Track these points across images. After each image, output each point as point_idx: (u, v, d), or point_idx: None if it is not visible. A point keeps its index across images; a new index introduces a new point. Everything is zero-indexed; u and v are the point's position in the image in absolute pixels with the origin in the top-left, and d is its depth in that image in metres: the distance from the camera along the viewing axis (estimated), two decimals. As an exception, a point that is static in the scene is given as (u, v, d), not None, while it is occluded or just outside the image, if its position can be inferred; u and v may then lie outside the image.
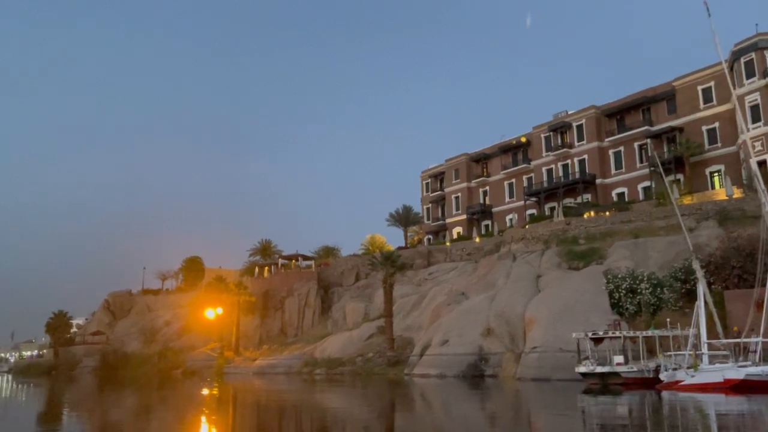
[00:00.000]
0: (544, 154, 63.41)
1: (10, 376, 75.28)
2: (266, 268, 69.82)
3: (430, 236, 74.33)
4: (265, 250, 76.97)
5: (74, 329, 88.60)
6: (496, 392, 27.51)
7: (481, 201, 69.81)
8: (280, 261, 70.81)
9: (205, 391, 33.74)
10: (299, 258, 69.01)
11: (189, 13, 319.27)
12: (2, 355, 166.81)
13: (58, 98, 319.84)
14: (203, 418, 20.92)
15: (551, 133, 62.81)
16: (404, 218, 69.00)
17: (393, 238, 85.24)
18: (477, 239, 60.64)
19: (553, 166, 62.47)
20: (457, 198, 71.59)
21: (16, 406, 30.53)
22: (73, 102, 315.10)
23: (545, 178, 62.64)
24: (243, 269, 76.55)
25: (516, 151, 67.36)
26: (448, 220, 71.92)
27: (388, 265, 45.28)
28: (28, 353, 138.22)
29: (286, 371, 51.14)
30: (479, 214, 68.40)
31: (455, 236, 67.89)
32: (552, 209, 59.31)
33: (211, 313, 65.31)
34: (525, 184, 64.81)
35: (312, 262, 68.60)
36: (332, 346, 52.06)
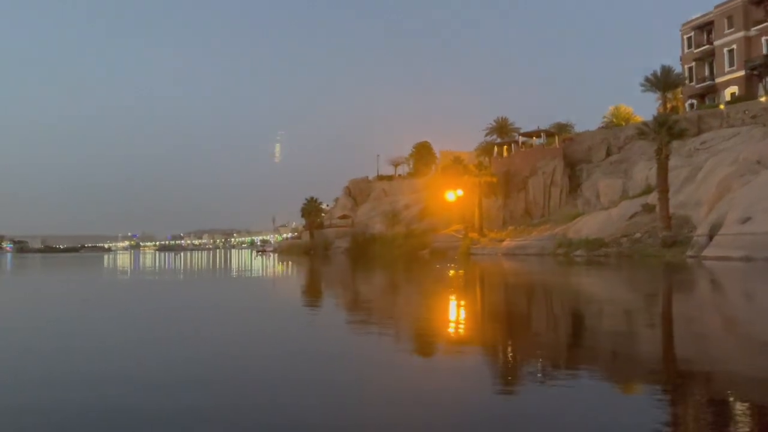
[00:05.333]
0: None
1: (275, 255, 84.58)
2: (505, 147, 66.27)
3: (693, 101, 63.65)
4: (502, 128, 72.66)
5: (322, 214, 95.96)
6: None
7: (765, 52, 56.97)
8: (520, 139, 66.63)
9: (452, 271, 32.79)
10: (541, 134, 64.04)
11: None
12: (266, 237, 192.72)
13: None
14: (451, 296, 19.54)
15: None
16: (663, 81, 58.79)
17: (639, 108, 75.00)
18: (763, 99, 50.16)
19: None
20: (731, 51, 59.28)
21: (286, 280, 33.06)
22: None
23: None
24: (478, 150, 73.88)
25: (820, -19, 52.83)
26: (719, 80, 60.34)
27: (664, 132, 38.68)
28: (285, 235, 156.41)
29: (539, 252, 48.63)
30: (762, 69, 56.08)
31: (728, 98, 57.02)
32: None
33: (452, 195, 64.63)
34: (832, 23, 50.94)
35: (554, 138, 63.24)
36: (587, 227, 48.15)
